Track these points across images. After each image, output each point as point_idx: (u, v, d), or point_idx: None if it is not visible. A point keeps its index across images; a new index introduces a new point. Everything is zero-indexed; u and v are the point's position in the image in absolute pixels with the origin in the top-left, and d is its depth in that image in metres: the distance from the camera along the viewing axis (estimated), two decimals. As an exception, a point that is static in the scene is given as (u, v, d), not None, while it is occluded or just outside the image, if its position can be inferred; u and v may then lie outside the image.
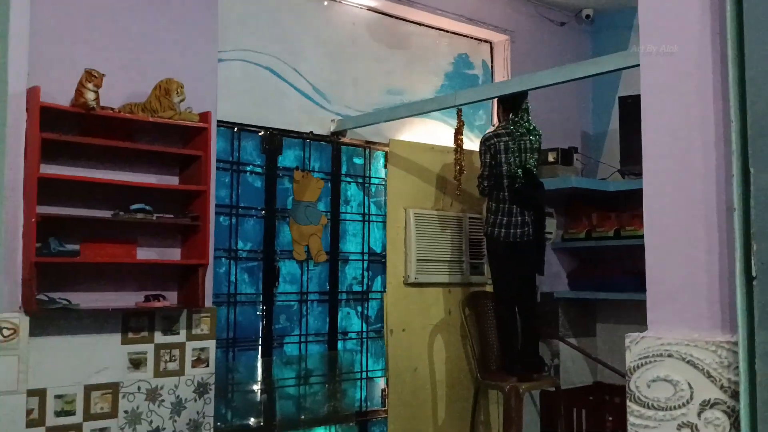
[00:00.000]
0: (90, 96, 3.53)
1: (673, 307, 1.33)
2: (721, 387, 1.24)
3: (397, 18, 5.31)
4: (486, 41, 5.86)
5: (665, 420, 1.28)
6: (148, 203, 3.75)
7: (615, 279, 5.56)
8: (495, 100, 4.97)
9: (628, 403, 1.34)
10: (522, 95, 4.62)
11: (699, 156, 1.29)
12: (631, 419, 1.32)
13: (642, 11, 1.44)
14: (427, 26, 5.47)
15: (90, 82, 3.53)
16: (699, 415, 1.25)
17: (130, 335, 3.83)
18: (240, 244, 4.48)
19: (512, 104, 4.67)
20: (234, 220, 4.45)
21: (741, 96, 1.18)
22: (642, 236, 4.92)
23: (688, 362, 1.27)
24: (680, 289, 1.32)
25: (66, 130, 3.62)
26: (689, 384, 1.27)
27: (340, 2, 5.02)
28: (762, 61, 1.16)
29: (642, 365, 1.33)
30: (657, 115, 1.35)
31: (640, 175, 5.39)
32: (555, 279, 5.76)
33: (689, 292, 1.31)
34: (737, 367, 1.20)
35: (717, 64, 1.27)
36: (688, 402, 1.27)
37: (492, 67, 5.87)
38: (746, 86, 1.16)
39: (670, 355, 1.30)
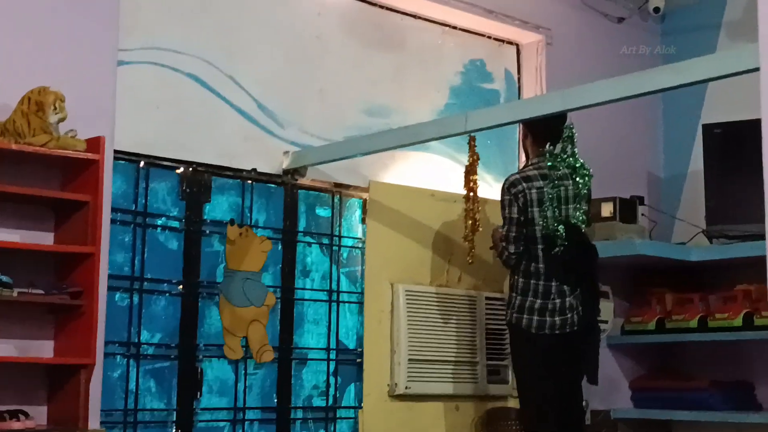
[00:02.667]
0: (-77, 110, 3.43)
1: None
2: None
3: (383, 7, 5.29)
4: (511, 42, 5.83)
5: None
6: (6, 272, 3.63)
7: (699, 391, 5.47)
8: (522, 126, 4.90)
9: None
10: (562, 119, 4.56)
11: None
12: None
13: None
14: (426, 20, 5.45)
15: (-77, 90, 3.42)
16: None
17: (-27, 472, 3.65)
18: (144, 335, 4.38)
19: (549, 131, 4.60)
20: (136, 298, 4.36)
21: None
22: (738, 328, 4.81)
23: None
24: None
25: None
26: None
27: (299, -18, 5.04)
28: None
29: None
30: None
31: (734, 238, 5.43)
32: (612, 390, 5.65)
33: None
34: None
35: None
36: None
37: (519, 79, 5.83)
38: None
39: None
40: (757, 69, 2.87)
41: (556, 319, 4.49)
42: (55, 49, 4.00)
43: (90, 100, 4.02)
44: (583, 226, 4.57)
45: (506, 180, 4.66)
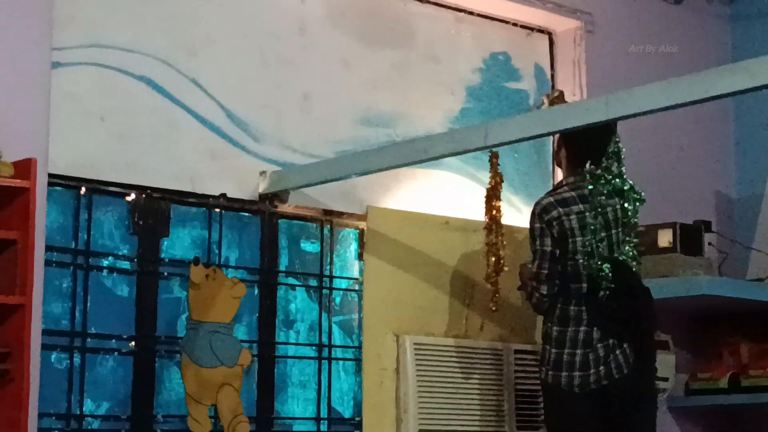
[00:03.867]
0: None
1: None
2: None
3: (382, -9, 5.36)
4: (542, 31, 5.88)
5: None
6: None
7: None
8: (557, 137, 4.92)
9: None
10: (606, 131, 4.57)
11: None
12: None
13: None
14: (436, 4, 5.49)
15: None
16: None
17: None
18: (88, 405, 4.37)
19: (589, 145, 4.63)
20: (78, 359, 4.35)
21: None
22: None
23: None
24: None
25: None
26: None
27: (277, -39, 5.07)
28: None
29: None
30: None
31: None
32: (675, 464, 5.67)
33: None
34: None
35: None
36: None
37: (552, 76, 5.88)
38: None
39: None
40: None
41: (601, 369, 4.48)
42: (-26, 52, 4.04)
43: (18, 112, 4.04)
44: (634, 263, 4.58)
45: (537, 204, 4.66)
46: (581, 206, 4.57)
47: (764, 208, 6.05)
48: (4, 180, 3.77)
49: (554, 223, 4.56)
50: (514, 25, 5.77)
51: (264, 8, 4.97)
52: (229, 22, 4.87)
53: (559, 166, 4.86)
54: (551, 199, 4.65)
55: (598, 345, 4.49)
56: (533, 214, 4.65)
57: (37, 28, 4.18)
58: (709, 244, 5.71)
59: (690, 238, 5.55)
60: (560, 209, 4.57)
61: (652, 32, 6.01)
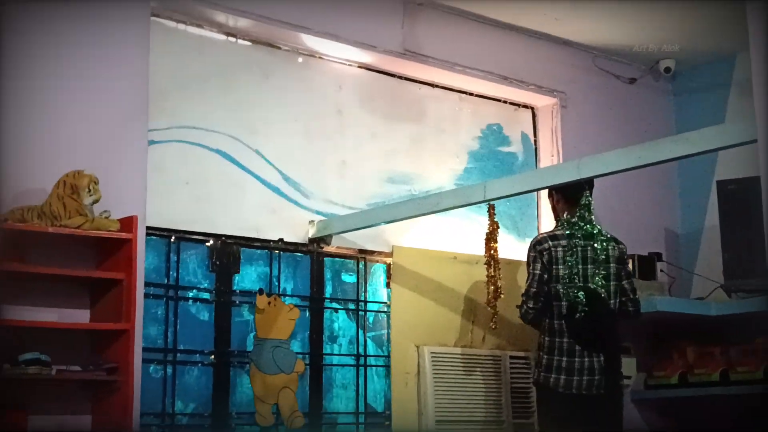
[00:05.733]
0: (-36, 198, 3.51)
1: None
2: None
3: (400, 78, 5.40)
4: (526, 106, 5.90)
5: None
6: (44, 351, 3.67)
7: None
8: (554, 193, 4.92)
9: None
10: (579, 187, 4.59)
11: None
12: None
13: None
14: (442, 88, 5.55)
15: (-36, 179, 3.51)
16: None
17: None
18: (179, 405, 4.41)
19: (570, 199, 4.64)
20: (170, 370, 4.40)
21: None
22: (761, 380, 4.73)
23: None
24: None
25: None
26: None
27: (320, 58, 5.09)
28: None
29: None
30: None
31: (753, 292, 5.38)
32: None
33: None
34: None
35: None
36: None
37: (535, 141, 5.91)
38: None
39: None
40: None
41: (583, 378, 4.46)
42: (89, 133, 4.10)
43: (122, 180, 4.10)
44: (603, 291, 4.56)
45: (534, 238, 4.71)
46: (566, 241, 4.58)
47: (703, 241, 6.03)
48: (112, 233, 3.85)
49: (544, 252, 4.57)
50: (504, 102, 5.80)
51: (309, 96, 5.04)
52: (283, 106, 4.94)
53: (555, 214, 4.82)
54: (545, 234, 4.67)
55: (583, 359, 4.48)
56: (530, 245, 4.67)
57: (136, 116, 4.28)
58: (661, 270, 5.72)
59: (646, 266, 5.57)
60: (550, 242, 4.58)
61: (612, 106, 6.04)
